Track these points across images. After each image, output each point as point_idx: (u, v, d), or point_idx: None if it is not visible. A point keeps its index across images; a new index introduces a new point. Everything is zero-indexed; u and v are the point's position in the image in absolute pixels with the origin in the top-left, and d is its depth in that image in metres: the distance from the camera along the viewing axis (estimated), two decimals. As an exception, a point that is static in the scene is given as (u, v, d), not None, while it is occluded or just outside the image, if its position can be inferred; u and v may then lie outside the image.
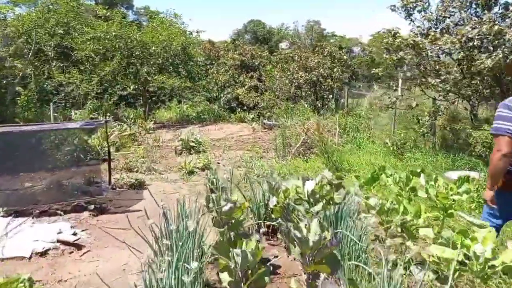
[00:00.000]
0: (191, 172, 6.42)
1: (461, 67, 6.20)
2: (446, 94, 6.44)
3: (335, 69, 11.39)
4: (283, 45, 34.61)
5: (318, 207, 2.88)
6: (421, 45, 5.86)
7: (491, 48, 4.98)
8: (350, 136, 8.47)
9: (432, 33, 5.61)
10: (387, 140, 7.58)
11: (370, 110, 10.95)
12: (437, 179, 3.51)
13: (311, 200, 3.01)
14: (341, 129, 8.60)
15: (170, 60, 13.90)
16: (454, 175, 5.72)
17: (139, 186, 5.69)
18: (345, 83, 12.32)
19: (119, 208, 4.82)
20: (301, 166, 6.62)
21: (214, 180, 5.37)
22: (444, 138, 7.54)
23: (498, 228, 2.74)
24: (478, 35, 4.88)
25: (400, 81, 8.81)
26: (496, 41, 4.87)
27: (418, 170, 3.98)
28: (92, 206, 4.49)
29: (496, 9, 5.63)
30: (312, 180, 3.13)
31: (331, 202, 2.97)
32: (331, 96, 11.40)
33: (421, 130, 6.81)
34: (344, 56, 11.98)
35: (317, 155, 7.26)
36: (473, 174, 5.52)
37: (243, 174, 6.25)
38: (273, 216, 3.33)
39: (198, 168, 6.62)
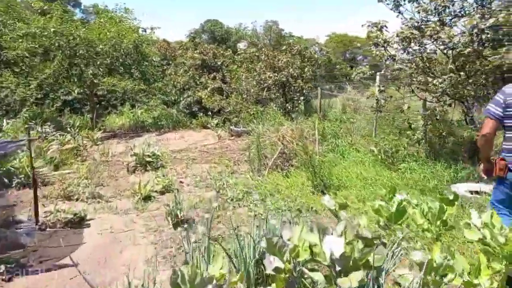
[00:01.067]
0: (147, 198, 5.13)
1: (456, 64, 5.47)
2: (441, 95, 5.69)
3: (305, 69, 10.50)
4: (242, 45, 33.69)
5: (354, 281, 1.82)
6: (418, 39, 5.05)
7: (506, 41, 4.24)
8: (330, 143, 7.56)
9: (433, 26, 4.80)
10: (373, 148, 6.74)
11: (344, 113, 10.19)
12: (492, 215, 2.59)
13: (337, 266, 1.95)
14: (319, 135, 7.67)
15: (120, 60, 12.31)
16: (461, 188, 4.96)
17: (79, 222, 4.34)
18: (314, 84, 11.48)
19: (46, 261, 3.47)
20: (282, 183, 5.57)
21: (178, 212, 4.17)
22: (430, 143, 6.84)
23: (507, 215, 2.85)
24: (493, 26, 4.12)
25: (377, 80, 8.04)
26: (513, 33, 4.14)
27: (451, 197, 3.07)
28: (3, 267, 3.12)
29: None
30: (332, 233, 2.07)
31: (368, 266, 1.94)
32: (302, 98, 10.50)
33: (415, 137, 6.02)
34: (315, 55, 11.15)
35: (297, 168, 6.25)
36: (483, 187, 4.77)
37: (213, 197, 5.09)
38: (273, 286, 2.23)
39: (156, 191, 5.35)
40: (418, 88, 6.12)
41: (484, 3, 4.72)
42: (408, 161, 5.91)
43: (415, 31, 4.95)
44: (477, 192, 4.72)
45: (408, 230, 2.81)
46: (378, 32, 5.70)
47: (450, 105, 5.90)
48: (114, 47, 11.68)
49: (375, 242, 1.97)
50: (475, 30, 4.27)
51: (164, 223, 4.27)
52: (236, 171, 6.60)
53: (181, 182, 5.96)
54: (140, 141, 9.33)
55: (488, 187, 4.83)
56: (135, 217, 4.58)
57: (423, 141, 6.05)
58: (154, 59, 13.87)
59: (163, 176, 6.14)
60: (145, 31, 14.27)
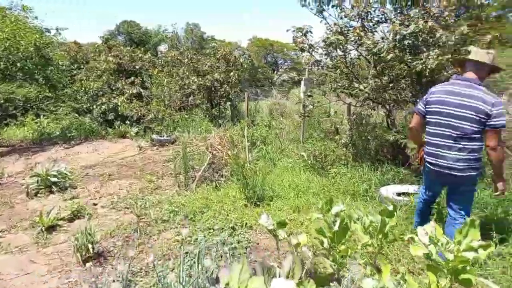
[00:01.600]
0: (51, 228, 4.29)
1: (377, 69, 5.61)
2: (364, 100, 5.80)
3: (231, 73, 10.19)
4: (162, 48, 32.37)
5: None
6: (343, 44, 5.03)
7: (423, 47, 4.38)
8: (260, 150, 7.32)
9: (357, 31, 4.80)
10: (303, 153, 6.66)
11: (272, 118, 10.10)
12: (436, 228, 2.47)
13: (289, 316, 1.61)
14: (248, 141, 7.39)
15: (18, 65, 10.66)
16: (390, 190, 5.03)
17: (-46, 270, 3.39)
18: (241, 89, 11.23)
19: None
20: (212, 198, 5.13)
21: (89, 245, 3.49)
22: (356, 146, 6.99)
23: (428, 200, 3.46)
24: (413, 33, 4.22)
25: (302, 85, 8.07)
26: (431, 40, 4.28)
27: (390, 208, 2.95)
28: None
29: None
30: (279, 275, 1.73)
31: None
32: (228, 103, 10.17)
33: (342, 141, 6.05)
34: (240, 59, 10.91)
35: (228, 179, 5.87)
36: (410, 188, 4.89)
37: (134, 221, 4.45)
38: None
39: (63, 218, 4.50)
40: (342, 92, 6.17)
41: (402, 11, 4.87)
42: (337, 165, 5.91)
43: (340, 37, 4.91)
44: (404, 194, 4.81)
45: (357, 262, 2.59)
46: (304, 37, 5.60)
47: (373, 108, 6.05)
48: (9, 50, 10.07)
49: (328, 281, 1.67)
50: (398, 36, 4.34)
51: (73, 260, 3.54)
52: (160, 186, 5.97)
53: (94, 204, 5.16)
54: (45, 156, 8.13)
55: (413, 188, 4.99)
56: (35, 254, 3.74)
57: (350, 145, 6.11)
58: (62, 63, 12.36)
59: (72, 198, 5.29)
60: (49, 32, 12.65)
